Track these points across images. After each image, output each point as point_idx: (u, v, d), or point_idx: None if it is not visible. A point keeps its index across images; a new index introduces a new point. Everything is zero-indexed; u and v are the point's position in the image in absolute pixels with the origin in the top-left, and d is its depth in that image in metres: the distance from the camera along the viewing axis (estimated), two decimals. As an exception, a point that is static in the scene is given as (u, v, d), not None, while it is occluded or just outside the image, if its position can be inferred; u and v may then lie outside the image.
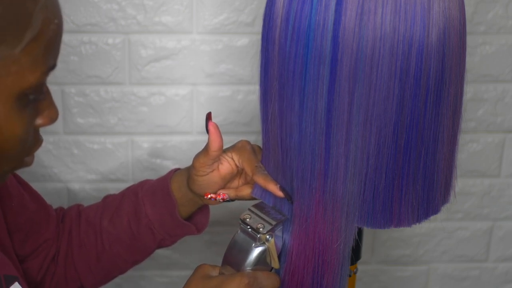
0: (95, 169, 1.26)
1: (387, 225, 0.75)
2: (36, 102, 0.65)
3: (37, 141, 0.68)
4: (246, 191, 0.85)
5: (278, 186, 0.78)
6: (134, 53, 1.21)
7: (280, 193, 0.78)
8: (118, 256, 0.93)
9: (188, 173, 0.88)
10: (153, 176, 1.27)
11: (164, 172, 1.26)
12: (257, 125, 1.26)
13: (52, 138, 1.24)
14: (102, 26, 1.19)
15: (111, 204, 0.94)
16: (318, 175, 0.73)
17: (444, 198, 0.78)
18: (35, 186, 1.26)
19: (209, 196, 0.86)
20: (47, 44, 0.64)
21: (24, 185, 0.90)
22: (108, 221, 0.93)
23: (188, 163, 1.26)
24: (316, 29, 0.68)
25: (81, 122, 1.24)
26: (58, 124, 1.23)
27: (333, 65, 0.68)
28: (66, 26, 1.19)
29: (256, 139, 1.29)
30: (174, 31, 1.20)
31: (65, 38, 1.20)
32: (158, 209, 0.91)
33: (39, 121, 0.66)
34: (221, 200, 0.86)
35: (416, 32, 0.67)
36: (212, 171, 0.85)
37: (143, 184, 0.94)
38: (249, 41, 1.22)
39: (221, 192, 0.86)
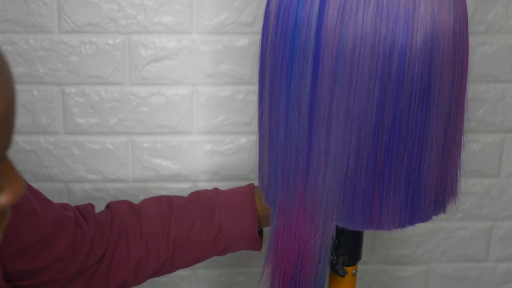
0: (95, 169, 1.26)
1: (366, 227, 0.75)
2: None
3: (3, 218, 0.60)
4: None
5: None
6: (134, 53, 1.21)
7: None
8: (179, 260, 0.92)
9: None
10: (153, 176, 1.27)
11: (164, 172, 1.27)
12: (257, 125, 1.26)
13: (52, 138, 1.24)
14: (102, 26, 1.19)
15: (180, 209, 0.92)
16: (300, 171, 0.73)
17: (439, 207, 0.77)
18: (35, 186, 1.27)
19: None
20: None
21: (36, 195, 0.85)
22: (179, 225, 0.91)
23: (188, 163, 1.27)
24: (301, 26, 0.68)
25: (81, 122, 1.24)
26: (58, 124, 1.23)
27: (315, 62, 0.68)
28: (66, 26, 1.19)
29: (256, 139, 1.29)
30: (174, 31, 1.20)
31: (65, 38, 1.20)
32: (239, 225, 0.90)
33: (1, 200, 0.58)
34: None
35: (399, 34, 0.66)
36: None
37: (220, 197, 0.92)
38: (249, 41, 1.22)
39: None
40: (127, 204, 0.93)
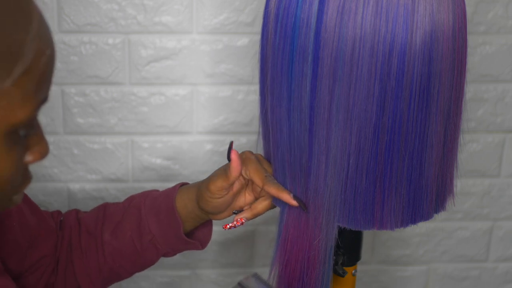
0: (95, 169, 1.26)
1: (368, 227, 0.75)
2: (26, 138, 0.60)
3: (26, 179, 0.63)
4: (261, 207, 0.83)
5: (292, 195, 0.76)
6: (134, 53, 1.21)
7: (294, 202, 0.76)
8: (120, 267, 0.91)
9: (199, 193, 0.84)
10: (153, 176, 1.27)
11: (164, 172, 1.27)
12: (257, 125, 1.26)
13: (52, 138, 1.24)
14: (102, 26, 1.19)
15: (112, 216, 0.91)
16: (302, 171, 0.73)
17: (439, 205, 0.77)
18: (35, 186, 1.27)
19: (228, 226, 0.84)
20: (39, 77, 0.57)
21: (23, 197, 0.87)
22: (110, 234, 0.90)
23: (188, 163, 1.27)
24: (300, 27, 0.69)
25: (81, 122, 1.24)
26: (58, 124, 1.23)
27: (315, 63, 0.69)
28: (66, 26, 1.19)
29: (256, 139, 1.29)
30: (174, 31, 1.20)
31: (65, 38, 1.20)
32: (163, 227, 0.88)
33: (28, 157, 0.61)
34: (239, 225, 0.84)
35: (398, 34, 0.66)
36: (228, 193, 0.82)
37: (146, 197, 0.91)
38: (249, 41, 1.22)
39: (238, 217, 0.84)
40: (75, 214, 0.94)
